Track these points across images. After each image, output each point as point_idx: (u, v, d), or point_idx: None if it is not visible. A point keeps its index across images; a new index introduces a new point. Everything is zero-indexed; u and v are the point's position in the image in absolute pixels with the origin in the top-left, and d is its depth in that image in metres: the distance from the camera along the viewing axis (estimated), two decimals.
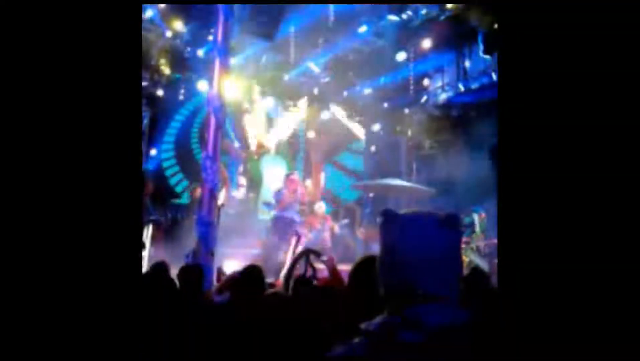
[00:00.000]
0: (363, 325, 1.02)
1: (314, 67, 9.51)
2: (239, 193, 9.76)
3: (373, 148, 11.38)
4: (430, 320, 0.98)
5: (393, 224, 1.08)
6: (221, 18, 5.02)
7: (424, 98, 10.16)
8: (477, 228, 8.67)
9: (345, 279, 3.09)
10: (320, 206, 8.68)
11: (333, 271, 3.37)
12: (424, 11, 7.49)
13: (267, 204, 9.47)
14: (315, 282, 3.37)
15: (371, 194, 10.85)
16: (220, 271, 4.61)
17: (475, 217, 8.80)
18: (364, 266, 1.70)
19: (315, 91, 10.18)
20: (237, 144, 9.97)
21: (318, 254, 5.08)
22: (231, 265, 5.51)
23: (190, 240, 5.25)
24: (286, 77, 9.72)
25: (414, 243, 1.04)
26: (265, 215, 9.21)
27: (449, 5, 6.84)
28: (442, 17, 7.45)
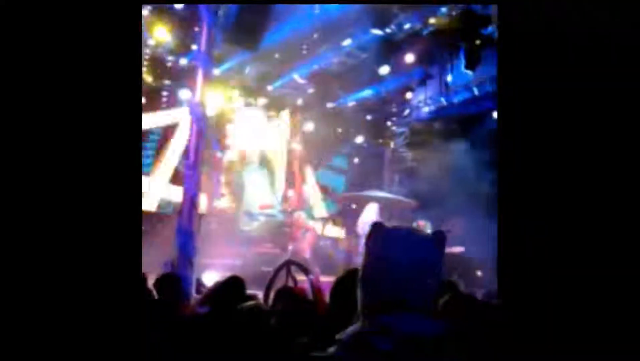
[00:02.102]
0: (338, 335, 1.03)
1: (298, 78, 9.55)
2: (221, 203, 9.69)
3: (356, 160, 11.44)
4: (403, 329, 1.00)
5: (381, 237, 1.11)
6: (205, 27, 5.01)
7: (407, 111, 10.27)
8: None
9: (327, 291, 3.08)
10: (300, 215, 8.65)
11: (317, 291, 3.35)
12: (407, 25, 7.60)
13: (250, 215, 9.42)
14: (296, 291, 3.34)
15: (354, 205, 10.88)
16: (199, 282, 4.55)
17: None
18: (348, 279, 1.70)
19: (299, 102, 10.22)
20: (219, 154, 9.92)
21: (301, 267, 5.06)
22: (211, 276, 5.44)
23: (168, 249, 5.17)
24: (270, 87, 9.74)
25: (399, 256, 1.06)
26: (248, 226, 9.16)
27: (432, 20, 6.95)
28: (425, 32, 7.57)
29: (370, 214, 8.14)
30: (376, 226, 1.13)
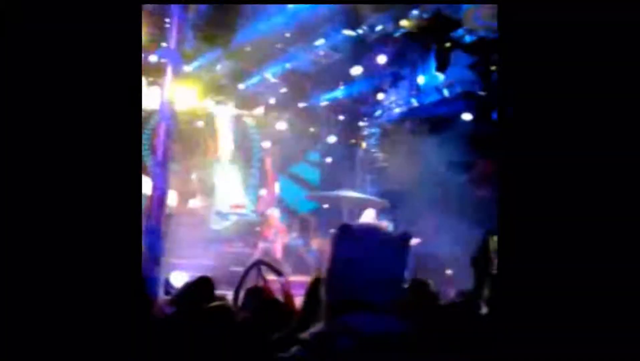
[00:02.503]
0: (301, 335, 1.03)
1: (271, 77, 9.50)
2: (192, 202, 9.56)
3: (329, 159, 11.47)
4: (366, 328, 1.00)
5: (347, 238, 1.11)
6: (174, 23, 4.93)
7: (379, 112, 10.36)
8: None
9: (298, 291, 3.07)
10: (273, 215, 8.62)
11: (287, 295, 3.34)
12: (379, 27, 7.66)
13: (221, 214, 9.33)
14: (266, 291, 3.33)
15: (326, 205, 10.91)
16: (167, 283, 4.48)
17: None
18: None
19: (272, 100, 10.17)
20: (189, 153, 9.79)
21: (271, 267, 5.03)
22: (180, 277, 5.36)
23: None
24: (242, 86, 9.66)
25: (365, 257, 1.07)
26: (219, 225, 9.07)
27: (403, 22, 7.02)
28: (397, 34, 7.64)
29: (367, 219, 8.28)
30: (343, 227, 1.13)
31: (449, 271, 8.13)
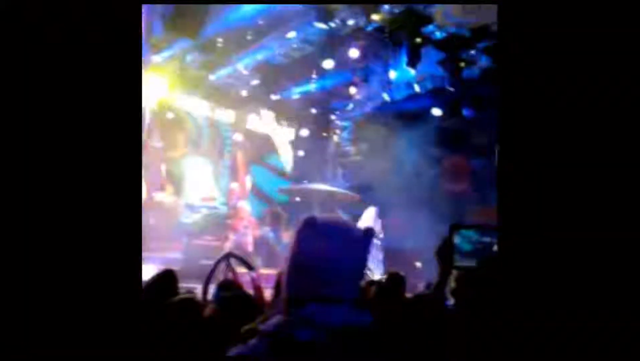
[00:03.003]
0: (261, 326, 1.03)
1: (242, 69, 9.40)
2: (162, 195, 9.40)
3: (301, 153, 11.45)
4: (325, 320, 1.00)
5: (310, 230, 1.10)
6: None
7: (351, 106, 10.40)
8: None
9: (270, 284, 3.06)
10: (244, 208, 8.57)
11: (257, 289, 3.33)
12: (351, 21, 7.67)
13: (191, 207, 9.20)
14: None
15: (297, 198, 10.91)
16: None
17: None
18: None
19: (244, 93, 10.07)
20: (158, 144, 9.61)
21: (242, 260, 5.00)
22: (148, 270, 5.27)
23: None
24: (213, 77, 9.53)
25: (328, 251, 1.07)
26: (189, 218, 8.95)
27: (374, 17, 7.05)
28: (369, 28, 7.66)
29: (368, 219, 8.50)
30: (307, 220, 1.12)
31: (418, 264, 8.27)
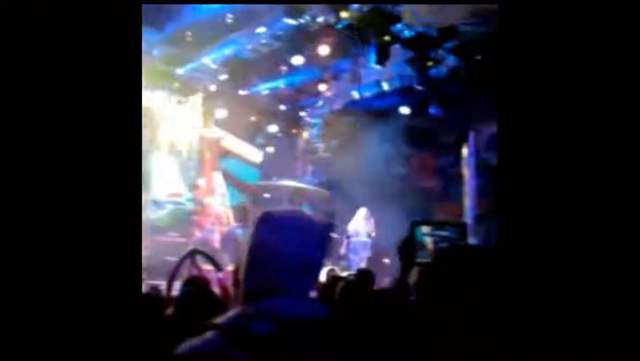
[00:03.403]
0: (217, 319, 1.02)
1: (211, 63, 9.28)
2: None
3: (270, 149, 11.41)
4: (282, 312, 1.00)
5: (268, 224, 1.10)
6: None
7: (320, 103, 10.41)
8: None
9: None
10: (210, 204, 8.48)
11: (224, 290, 3.31)
12: (321, 18, 7.67)
13: (157, 203, 9.05)
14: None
15: (266, 195, 10.87)
16: None
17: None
18: None
19: (212, 87, 9.94)
20: None
21: (207, 257, 4.95)
22: None
23: None
24: (180, 71, 9.36)
25: (286, 244, 1.07)
26: (154, 214, 8.79)
27: (343, 14, 7.07)
28: (338, 26, 7.68)
29: (359, 220, 8.72)
30: (264, 214, 1.12)
31: (386, 260, 8.38)
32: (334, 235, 8.41)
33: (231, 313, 1.04)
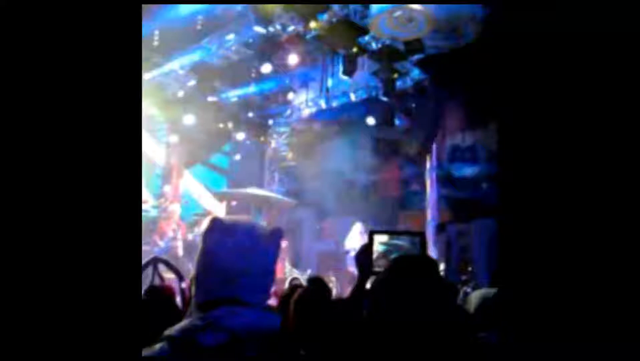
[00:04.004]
0: (168, 331, 1.02)
1: (179, 69, 9.19)
2: None
3: (237, 157, 11.34)
4: (231, 323, 1.00)
5: (217, 232, 1.10)
6: None
7: (289, 111, 10.45)
8: None
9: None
10: (175, 211, 8.36)
11: (187, 298, 3.27)
12: (291, 27, 7.73)
13: None
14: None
15: (233, 203, 10.79)
16: None
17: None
18: None
19: (180, 93, 9.83)
20: None
21: (169, 265, 4.87)
22: None
23: None
24: (148, 76, 9.24)
25: (234, 253, 1.06)
26: None
27: (313, 25, 7.15)
28: (308, 36, 7.75)
29: (355, 234, 8.88)
30: (213, 222, 1.12)
31: (351, 268, 8.45)
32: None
33: (182, 323, 1.03)
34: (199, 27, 8.07)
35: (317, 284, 3.46)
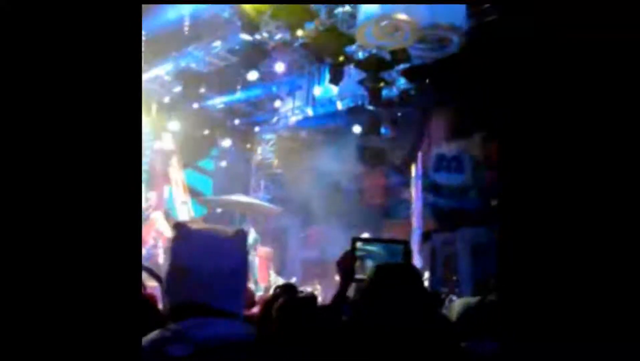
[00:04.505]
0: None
1: (165, 75, 9.15)
2: None
3: (223, 163, 11.29)
4: (200, 334, 0.97)
5: (183, 240, 1.08)
6: None
7: (275, 119, 10.45)
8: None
9: None
10: (157, 218, 8.28)
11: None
12: (278, 36, 7.75)
13: None
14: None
15: (218, 210, 10.73)
16: None
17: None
18: None
19: (166, 99, 9.78)
20: None
21: (151, 273, 4.79)
22: None
23: None
24: None
25: (201, 260, 1.04)
26: None
27: (300, 33, 7.17)
28: (295, 44, 7.78)
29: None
30: (179, 228, 1.10)
31: (337, 277, 8.43)
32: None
33: (152, 334, 1.01)
34: (185, 33, 8.05)
35: (290, 292, 3.43)
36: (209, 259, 1.05)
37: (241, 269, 1.10)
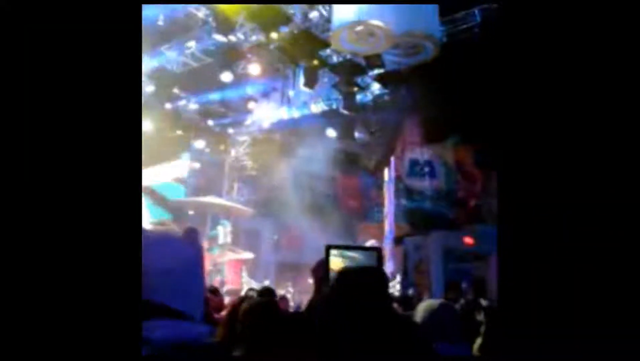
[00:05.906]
0: None
1: None
2: None
3: (196, 165, 11.17)
4: (155, 336, 0.98)
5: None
6: None
7: (249, 121, 10.40)
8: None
9: None
10: None
11: None
12: (253, 37, 7.72)
13: None
14: None
15: (191, 212, 10.59)
16: None
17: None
18: None
19: None
20: None
21: None
22: None
23: None
24: None
25: (153, 261, 1.05)
26: None
27: (274, 36, 7.17)
28: (271, 47, 7.77)
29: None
30: None
31: (310, 280, 8.44)
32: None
33: None
34: (159, 32, 7.95)
35: (267, 295, 3.43)
36: (160, 259, 1.05)
37: (192, 269, 1.11)
